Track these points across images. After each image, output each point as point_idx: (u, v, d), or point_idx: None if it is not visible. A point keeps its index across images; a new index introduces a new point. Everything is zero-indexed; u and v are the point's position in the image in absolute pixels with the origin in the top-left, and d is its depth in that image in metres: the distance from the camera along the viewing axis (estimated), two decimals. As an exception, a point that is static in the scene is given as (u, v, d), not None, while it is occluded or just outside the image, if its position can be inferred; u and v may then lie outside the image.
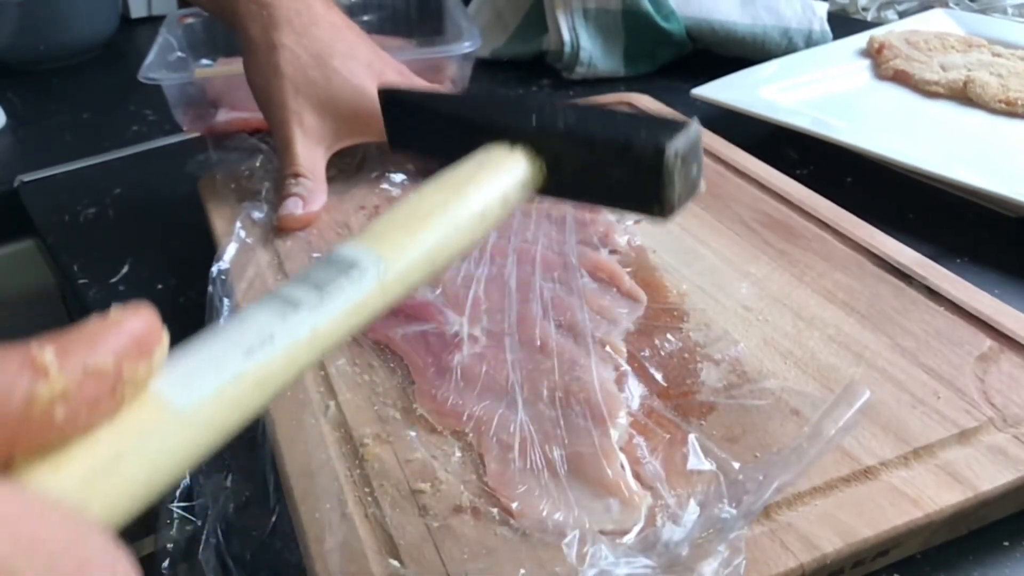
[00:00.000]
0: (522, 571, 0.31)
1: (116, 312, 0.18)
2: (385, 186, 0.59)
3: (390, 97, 0.38)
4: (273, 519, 0.35)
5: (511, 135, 0.31)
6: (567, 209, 0.53)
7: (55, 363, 0.16)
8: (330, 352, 0.23)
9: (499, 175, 0.30)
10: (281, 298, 0.22)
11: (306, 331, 0.21)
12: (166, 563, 0.33)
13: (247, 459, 0.37)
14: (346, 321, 0.23)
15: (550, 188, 0.31)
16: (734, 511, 0.31)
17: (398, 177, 0.60)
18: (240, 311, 0.23)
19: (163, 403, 0.18)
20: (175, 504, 0.35)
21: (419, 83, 0.61)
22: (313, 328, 0.21)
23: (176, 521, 0.34)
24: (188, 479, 0.36)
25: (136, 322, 0.18)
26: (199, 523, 0.34)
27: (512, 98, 0.32)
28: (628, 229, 0.52)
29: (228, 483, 0.36)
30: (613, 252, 0.50)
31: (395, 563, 0.31)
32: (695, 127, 0.30)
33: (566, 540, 0.31)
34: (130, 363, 0.17)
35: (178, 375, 0.19)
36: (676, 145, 0.29)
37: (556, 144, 0.31)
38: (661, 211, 0.30)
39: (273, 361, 0.20)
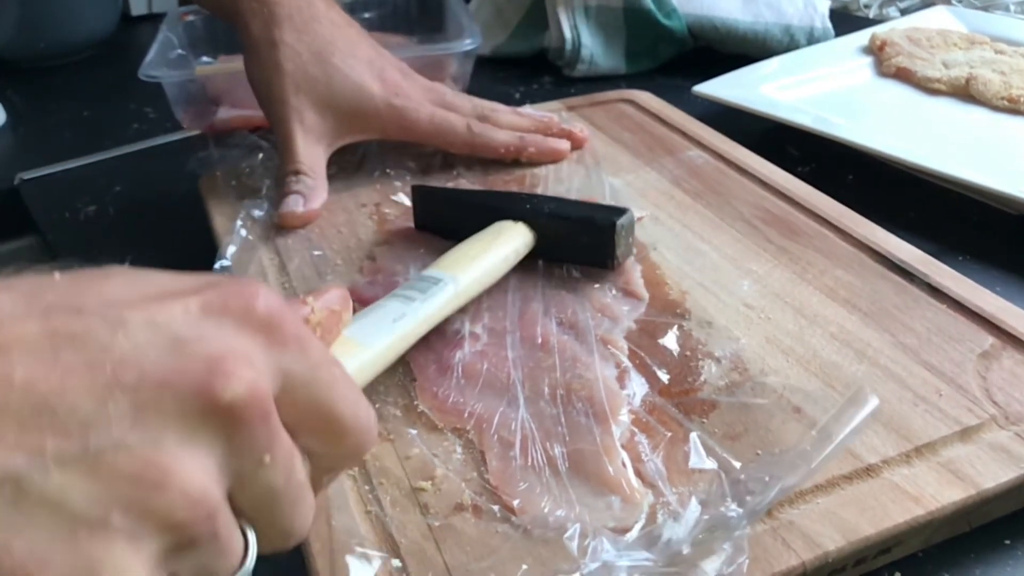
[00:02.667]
0: (524, 566, 0.31)
1: (330, 284, 0.34)
2: (385, 184, 0.59)
3: (422, 191, 0.53)
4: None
5: (514, 215, 0.48)
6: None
7: (315, 305, 0.30)
8: (432, 326, 0.40)
9: (512, 237, 0.47)
10: (401, 296, 0.39)
11: (420, 312, 0.38)
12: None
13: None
14: (438, 310, 0.40)
15: (540, 249, 0.47)
16: (737, 510, 0.31)
17: (399, 175, 0.60)
18: (379, 302, 0.38)
19: (354, 341, 0.33)
20: None
21: (420, 81, 0.61)
22: (424, 311, 0.39)
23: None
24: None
25: (341, 289, 0.32)
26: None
27: (511, 192, 0.55)
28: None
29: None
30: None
31: (396, 562, 0.31)
32: (631, 212, 0.48)
33: (567, 534, 0.31)
34: (343, 310, 0.31)
35: (356, 329, 0.34)
36: (621, 221, 0.46)
37: (543, 220, 0.47)
38: (611, 265, 0.47)
39: (406, 326, 0.37)
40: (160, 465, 0.20)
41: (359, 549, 0.32)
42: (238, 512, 0.23)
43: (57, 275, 0.22)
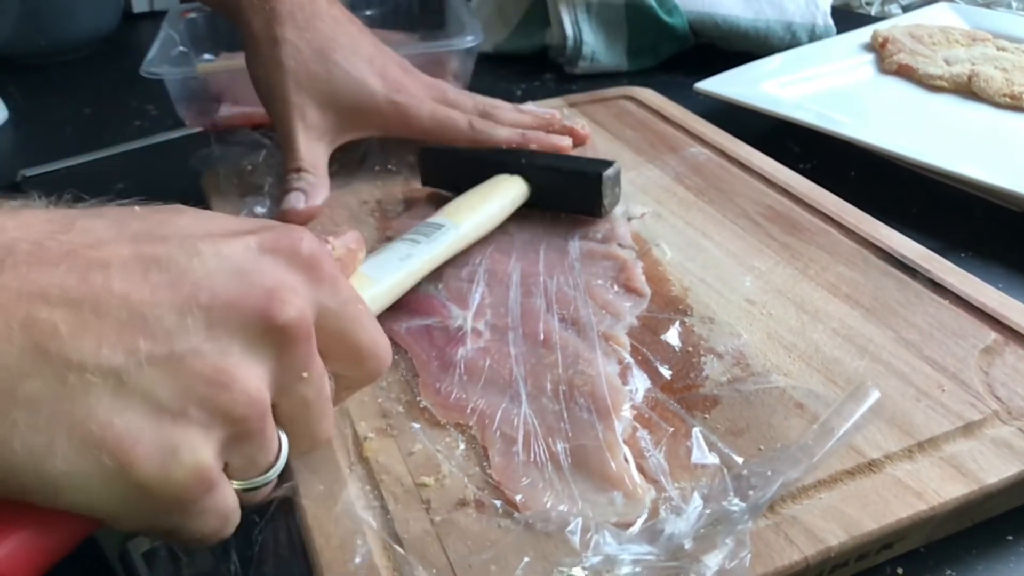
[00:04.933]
0: (526, 559, 0.31)
1: (346, 228, 0.42)
2: (387, 180, 0.59)
3: (427, 151, 0.57)
4: (273, 513, 0.35)
5: (511, 169, 0.52)
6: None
7: (336, 243, 0.35)
8: (436, 266, 0.44)
9: (509, 188, 0.51)
10: (407, 239, 0.44)
11: (424, 253, 0.43)
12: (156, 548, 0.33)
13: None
14: (442, 252, 0.45)
15: (535, 199, 0.52)
16: (740, 505, 0.31)
17: (401, 172, 0.60)
18: (388, 243, 0.44)
19: (367, 277, 0.39)
20: None
21: (422, 78, 0.61)
22: (428, 252, 0.44)
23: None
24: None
25: (356, 232, 0.38)
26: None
27: (509, 149, 0.57)
28: (632, 224, 0.52)
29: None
30: (618, 246, 0.50)
31: (399, 557, 0.31)
32: (617, 164, 0.52)
33: (569, 527, 0.31)
34: (358, 249, 0.37)
35: (369, 266, 0.40)
36: (607, 173, 0.51)
37: (538, 172, 0.52)
38: (600, 213, 0.51)
39: (412, 265, 0.42)
40: (227, 370, 0.25)
41: (362, 545, 0.32)
42: (277, 420, 0.28)
43: (137, 208, 0.27)
